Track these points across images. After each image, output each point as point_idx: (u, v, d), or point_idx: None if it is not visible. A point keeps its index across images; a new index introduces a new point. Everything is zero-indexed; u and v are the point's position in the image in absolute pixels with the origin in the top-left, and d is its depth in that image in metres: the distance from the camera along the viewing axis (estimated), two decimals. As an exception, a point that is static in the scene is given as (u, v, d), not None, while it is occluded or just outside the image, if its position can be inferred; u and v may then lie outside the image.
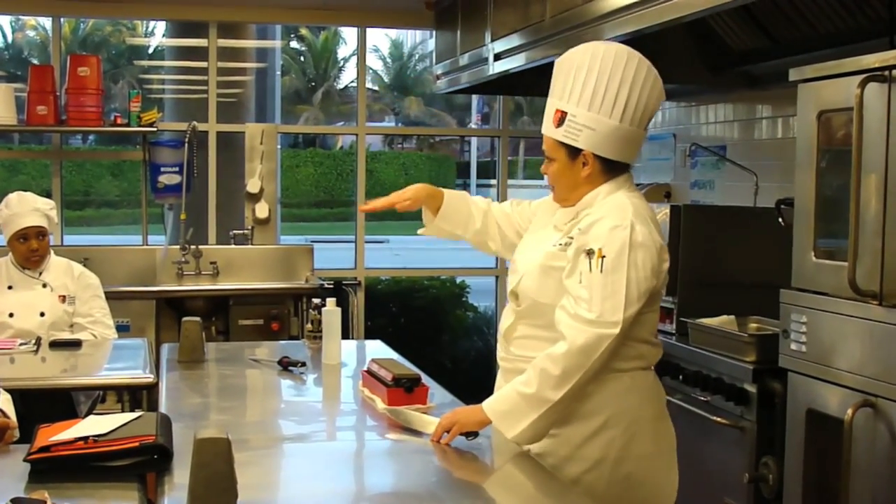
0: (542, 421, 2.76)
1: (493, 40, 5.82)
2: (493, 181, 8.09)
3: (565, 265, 2.85)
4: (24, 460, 2.51)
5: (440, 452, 2.82)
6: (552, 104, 2.95)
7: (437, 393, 3.43)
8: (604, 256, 2.76)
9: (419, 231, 3.41)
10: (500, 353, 3.10)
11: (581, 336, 2.72)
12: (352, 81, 28.70)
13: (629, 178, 2.97)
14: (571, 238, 2.88)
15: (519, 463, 2.80)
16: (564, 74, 2.92)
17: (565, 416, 2.83)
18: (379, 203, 3.35)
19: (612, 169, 2.92)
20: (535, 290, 2.94)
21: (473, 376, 7.16)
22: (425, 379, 3.37)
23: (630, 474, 2.88)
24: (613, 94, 2.86)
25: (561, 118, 2.90)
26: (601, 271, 2.75)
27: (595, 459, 2.85)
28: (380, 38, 33.11)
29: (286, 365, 3.86)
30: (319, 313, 4.15)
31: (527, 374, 2.78)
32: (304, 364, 3.87)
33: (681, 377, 4.32)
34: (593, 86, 2.86)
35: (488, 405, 2.83)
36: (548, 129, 2.95)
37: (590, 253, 2.78)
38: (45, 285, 4.90)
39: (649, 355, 2.96)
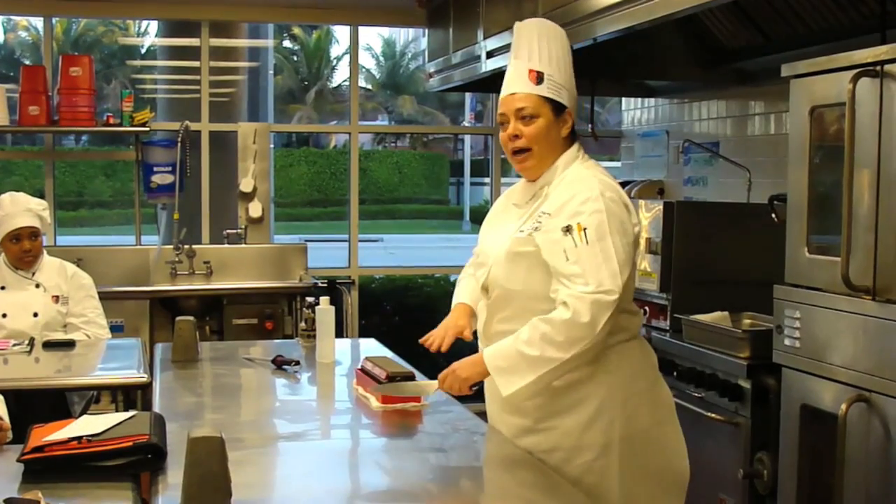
0: (538, 383, 2.76)
1: (485, 38, 5.82)
2: (487, 179, 8.09)
3: (532, 250, 2.85)
4: (18, 460, 2.51)
5: (436, 449, 2.82)
6: (521, 65, 2.97)
7: (430, 391, 3.42)
8: (585, 229, 2.77)
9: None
10: (481, 347, 3.06)
11: (585, 306, 2.71)
12: (344, 80, 28.67)
13: (581, 148, 3.01)
14: (539, 223, 2.87)
15: (514, 460, 2.80)
16: (532, 40, 2.99)
17: (561, 408, 2.85)
18: (445, 341, 3.13)
19: (573, 137, 3.00)
20: (504, 277, 2.93)
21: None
22: (419, 376, 3.37)
23: (640, 450, 2.89)
24: (568, 64, 2.98)
25: (539, 77, 2.93)
26: (587, 243, 2.76)
27: (601, 445, 2.84)
28: (372, 37, 33.08)
29: (280, 364, 3.86)
30: (313, 312, 4.15)
31: (528, 333, 2.76)
32: (297, 363, 3.87)
33: (675, 373, 4.32)
34: (559, 54, 2.96)
35: (490, 358, 2.82)
36: (527, 87, 2.94)
37: (568, 229, 2.79)
38: (38, 286, 4.88)
39: (630, 325, 2.94)
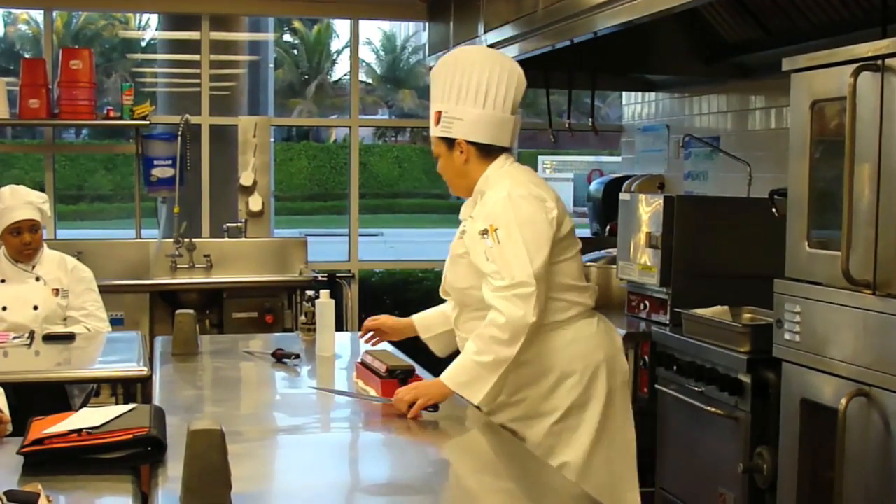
0: (500, 381, 3.05)
1: (486, 32, 5.81)
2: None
3: (463, 251, 3.21)
4: (18, 453, 2.51)
5: (435, 441, 2.82)
6: (432, 108, 3.30)
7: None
8: (497, 229, 3.07)
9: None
10: (457, 333, 3.41)
11: (508, 304, 3.01)
12: (345, 74, 28.66)
13: (509, 157, 3.28)
14: (465, 227, 3.24)
15: (513, 453, 2.81)
16: (436, 80, 3.27)
17: (528, 380, 3.18)
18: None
19: (488, 152, 3.25)
20: (452, 278, 3.30)
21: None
22: (419, 370, 3.37)
23: (600, 413, 3.20)
24: (476, 86, 3.19)
25: (438, 117, 3.24)
26: (499, 242, 3.06)
27: (565, 407, 3.18)
28: (372, 31, 33.05)
29: (280, 357, 3.86)
30: (313, 306, 4.15)
31: (476, 345, 3.05)
32: (297, 356, 3.87)
33: (675, 368, 4.32)
34: (459, 82, 3.20)
35: (449, 379, 3.06)
36: (432, 130, 3.29)
37: (484, 232, 3.10)
38: (38, 279, 4.88)
39: (581, 299, 3.27)
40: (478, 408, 3.14)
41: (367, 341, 3.74)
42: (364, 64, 31.37)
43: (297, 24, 30.11)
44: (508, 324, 3.00)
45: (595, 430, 3.20)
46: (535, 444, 3.14)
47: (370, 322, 3.74)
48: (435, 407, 3.03)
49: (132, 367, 4.14)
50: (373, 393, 3.27)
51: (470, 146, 3.22)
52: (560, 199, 3.23)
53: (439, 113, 3.24)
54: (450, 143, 3.24)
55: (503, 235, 3.06)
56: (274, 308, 6.69)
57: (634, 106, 7.01)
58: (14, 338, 4.48)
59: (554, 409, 3.18)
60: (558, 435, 3.19)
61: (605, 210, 6.58)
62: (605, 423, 3.22)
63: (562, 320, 3.20)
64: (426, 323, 3.64)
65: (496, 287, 3.04)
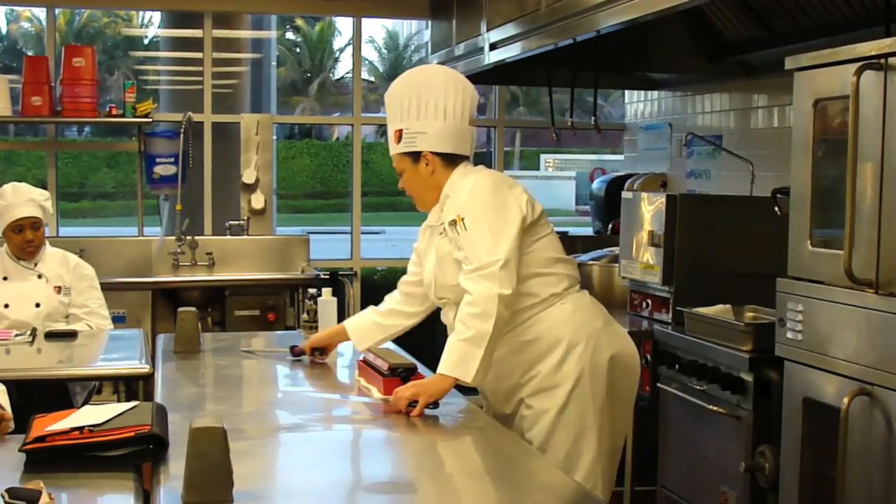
0: (487, 355, 3.12)
1: (488, 30, 5.81)
2: (489, 171, 8.06)
3: (449, 250, 3.31)
4: (20, 450, 2.51)
5: (437, 439, 2.82)
6: (391, 129, 3.45)
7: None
8: (463, 218, 3.22)
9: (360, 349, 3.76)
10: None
11: (475, 284, 3.14)
12: (347, 72, 28.68)
13: (468, 164, 3.44)
14: (444, 225, 3.33)
15: (516, 450, 2.80)
16: (393, 101, 3.44)
17: (539, 354, 3.28)
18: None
19: (451, 161, 3.39)
20: (443, 279, 3.36)
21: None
22: (421, 368, 3.37)
23: (607, 374, 3.30)
24: (434, 102, 3.35)
25: (399, 135, 3.40)
26: (466, 229, 3.21)
27: (575, 375, 3.26)
28: (375, 29, 33.08)
29: (298, 354, 3.84)
30: (315, 304, 4.15)
31: (457, 327, 3.17)
32: (322, 351, 3.86)
33: (677, 366, 4.32)
34: (417, 101, 3.36)
35: (442, 365, 3.13)
36: (392, 149, 3.44)
37: (453, 223, 3.25)
38: (40, 276, 4.88)
39: (568, 271, 3.42)
40: (476, 397, 3.19)
41: (313, 359, 3.85)
42: (366, 62, 31.36)
43: (299, 22, 30.10)
44: (477, 299, 3.12)
45: (607, 388, 3.31)
46: (553, 414, 3.25)
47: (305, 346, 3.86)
48: (435, 404, 3.06)
49: (134, 365, 4.14)
50: (375, 391, 3.27)
51: (435, 157, 3.37)
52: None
53: (400, 131, 3.40)
54: (415, 157, 3.39)
55: (469, 223, 3.21)
56: (276, 306, 6.70)
57: (637, 104, 7.00)
58: (16, 335, 4.49)
59: (569, 375, 3.26)
60: (580, 399, 3.27)
61: (608, 208, 6.58)
62: (614, 381, 3.34)
63: (559, 293, 3.34)
64: (359, 335, 3.73)
65: (466, 272, 3.18)
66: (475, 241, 3.18)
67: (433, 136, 3.36)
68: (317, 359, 3.83)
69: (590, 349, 3.29)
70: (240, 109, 7.69)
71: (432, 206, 3.47)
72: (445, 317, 3.45)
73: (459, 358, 3.11)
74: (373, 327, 3.71)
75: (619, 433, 3.42)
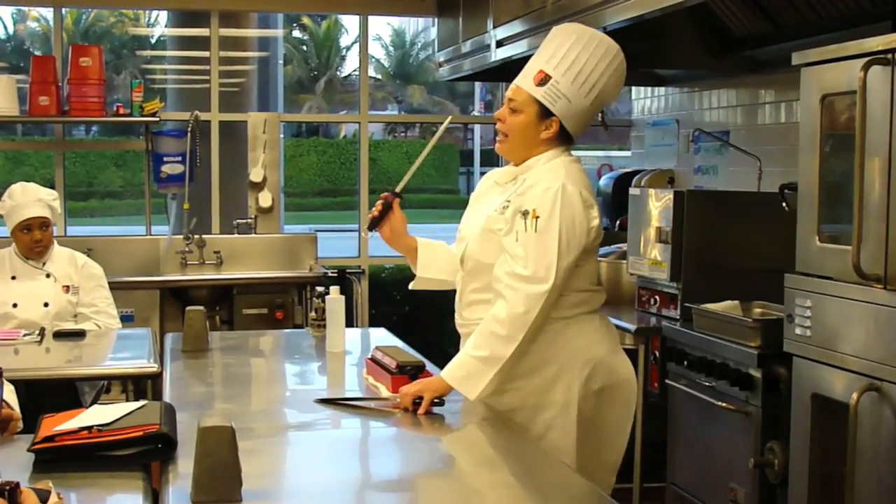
0: (497, 377, 3.04)
1: (495, 27, 5.81)
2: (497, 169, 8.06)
3: (503, 227, 3.12)
4: (29, 450, 2.51)
5: (445, 437, 2.82)
6: (537, 64, 3.21)
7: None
8: (538, 217, 3.05)
9: (410, 286, 3.57)
10: (457, 319, 3.35)
11: (519, 298, 3.01)
12: (354, 70, 28.64)
13: (569, 149, 3.27)
14: (509, 201, 3.15)
15: (521, 447, 2.81)
16: (557, 43, 3.21)
17: (525, 370, 3.12)
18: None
19: (564, 139, 3.23)
20: (478, 251, 3.21)
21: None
22: (429, 366, 3.36)
23: (596, 408, 3.17)
24: (595, 79, 3.18)
25: (543, 79, 3.17)
26: (535, 231, 3.04)
27: (561, 403, 3.13)
28: (381, 27, 33.02)
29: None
30: (323, 302, 4.15)
31: (475, 339, 3.07)
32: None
33: (686, 363, 4.32)
34: (582, 64, 3.16)
35: (448, 374, 3.07)
36: (527, 84, 3.20)
37: (525, 213, 3.07)
38: (48, 275, 4.90)
39: (591, 301, 3.24)
40: None
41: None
42: (373, 60, 31.36)
43: (306, 20, 30.08)
44: (508, 319, 3.01)
45: (593, 423, 3.17)
46: (537, 435, 3.12)
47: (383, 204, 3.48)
48: (441, 400, 3.04)
49: (143, 364, 4.15)
50: (383, 390, 3.27)
51: (559, 128, 3.19)
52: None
53: (546, 76, 3.16)
54: (544, 112, 3.18)
55: (542, 225, 3.04)
56: (284, 304, 6.69)
57: (644, 101, 6.99)
58: (25, 335, 4.50)
59: (553, 402, 3.14)
60: (561, 429, 3.14)
61: (615, 205, 6.57)
62: (604, 417, 3.20)
63: (567, 316, 3.17)
64: (426, 259, 3.45)
65: (514, 274, 3.03)
66: (540, 250, 3.03)
67: (573, 111, 3.18)
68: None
69: (582, 378, 3.13)
70: (247, 108, 7.69)
71: (511, 158, 3.28)
72: (460, 295, 3.30)
73: (468, 373, 3.05)
74: (442, 261, 3.44)
75: (605, 465, 3.26)
